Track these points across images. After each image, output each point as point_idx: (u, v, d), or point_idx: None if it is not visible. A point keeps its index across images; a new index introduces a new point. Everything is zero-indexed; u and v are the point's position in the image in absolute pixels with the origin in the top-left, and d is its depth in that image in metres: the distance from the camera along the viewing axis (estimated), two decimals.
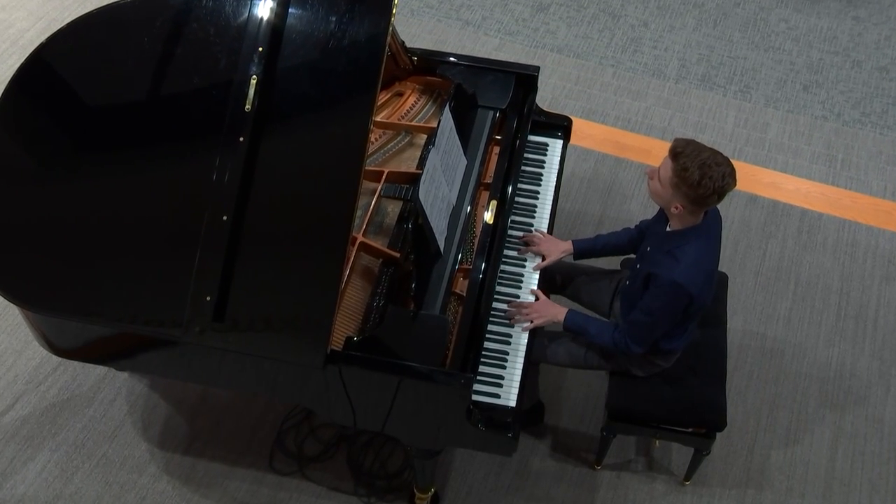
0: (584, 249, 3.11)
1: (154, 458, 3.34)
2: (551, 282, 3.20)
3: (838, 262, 4.06)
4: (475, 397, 2.72)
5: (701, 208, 2.62)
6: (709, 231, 2.70)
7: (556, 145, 3.40)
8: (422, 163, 3.04)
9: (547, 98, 4.72)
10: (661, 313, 2.70)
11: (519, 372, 2.81)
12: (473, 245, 2.98)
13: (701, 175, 2.51)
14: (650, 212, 3.68)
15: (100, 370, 3.55)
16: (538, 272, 3.06)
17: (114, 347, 2.76)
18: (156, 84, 2.68)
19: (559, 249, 3.07)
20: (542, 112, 3.42)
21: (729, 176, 2.54)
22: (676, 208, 2.62)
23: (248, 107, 2.56)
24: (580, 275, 3.20)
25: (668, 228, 2.75)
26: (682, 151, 2.55)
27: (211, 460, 3.34)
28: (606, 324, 2.89)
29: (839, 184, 4.41)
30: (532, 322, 2.89)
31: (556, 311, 2.92)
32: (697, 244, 2.66)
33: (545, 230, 3.16)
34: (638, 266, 2.85)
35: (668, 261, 2.66)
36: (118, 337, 2.69)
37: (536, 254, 3.08)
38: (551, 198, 3.25)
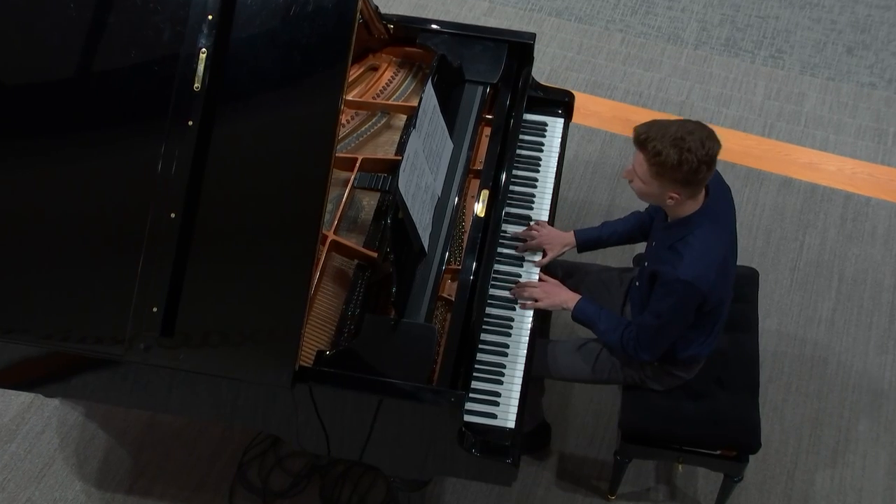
0: (588, 240, 3.19)
1: (91, 501, 3.37)
2: None
3: (890, 254, 4.12)
4: (468, 418, 2.77)
5: (697, 186, 2.70)
6: (715, 212, 2.78)
7: (556, 125, 3.46)
8: (401, 148, 3.10)
9: (545, 70, 4.78)
10: (670, 316, 2.78)
11: (518, 388, 2.87)
12: (462, 242, 3.04)
13: (679, 152, 2.60)
14: None
15: (24, 397, 3.58)
16: (539, 270, 3.12)
17: (42, 370, 2.79)
18: (86, 60, 2.70)
19: (561, 242, 3.14)
20: (539, 86, 3.48)
21: (708, 139, 2.63)
22: (672, 198, 2.71)
23: (197, 85, 2.61)
24: (587, 275, 3.27)
25: (668, 220, 2.83)
26: (648, 136, 2.65)
27: (160, 499, 3.38)
28: (619, 320, 2.97)
29: (891, 163, 4.46)
30: (537, 300, 2.98)
31: (566, 296, 3.01)
32: (702, 231, 2.74)
33: (545, 222, 3.22)
34: (646, 264, 2.93)
35: (671, 256, 2.74)
36: (47, 358, 2.73)
37: (536, 248, 3.14)
38: (552, 186, 3.32)
